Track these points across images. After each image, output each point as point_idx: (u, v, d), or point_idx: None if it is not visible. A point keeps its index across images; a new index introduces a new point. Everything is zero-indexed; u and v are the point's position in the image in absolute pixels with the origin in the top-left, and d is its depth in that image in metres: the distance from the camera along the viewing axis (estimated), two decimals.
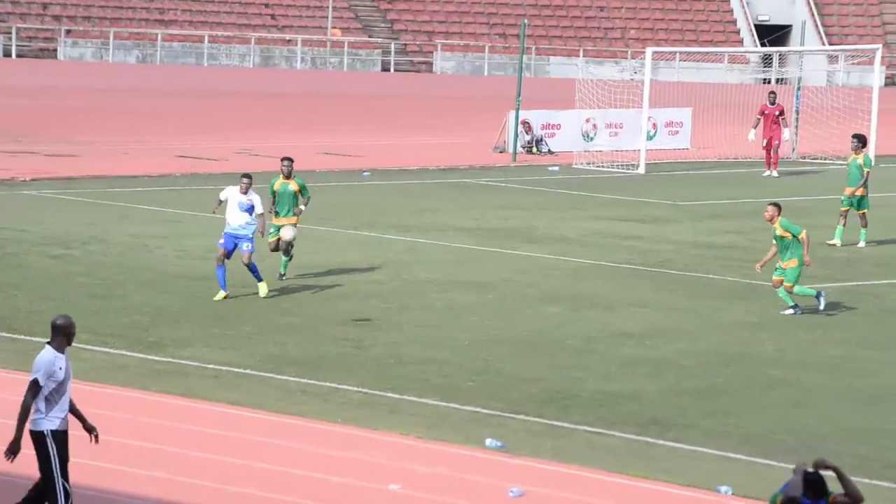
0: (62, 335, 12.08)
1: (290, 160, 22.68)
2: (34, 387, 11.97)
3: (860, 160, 28.16)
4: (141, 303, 21.28)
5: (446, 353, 19.12)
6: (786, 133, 39.97)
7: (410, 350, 19.18)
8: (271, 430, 15.72)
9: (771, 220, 21.71)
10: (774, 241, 21.80)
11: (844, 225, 28.09)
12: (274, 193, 22.55)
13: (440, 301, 22.20)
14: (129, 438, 15.19)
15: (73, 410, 12.25)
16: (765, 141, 39.85)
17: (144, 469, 14.37)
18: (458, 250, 26.61)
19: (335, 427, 15.81)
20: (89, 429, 12.27)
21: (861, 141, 28.68)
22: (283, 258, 22.80)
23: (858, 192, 27.97)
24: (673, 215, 32.47)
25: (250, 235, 21.44)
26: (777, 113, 39.72)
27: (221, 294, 21.34)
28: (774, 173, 39.76)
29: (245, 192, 21.40)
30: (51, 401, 11.98)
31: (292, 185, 22.51)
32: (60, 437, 12.03)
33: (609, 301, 22.58)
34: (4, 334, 19.24)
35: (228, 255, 21.41)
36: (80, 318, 20.07)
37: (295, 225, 22.50)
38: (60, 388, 12.00)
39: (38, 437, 12.03)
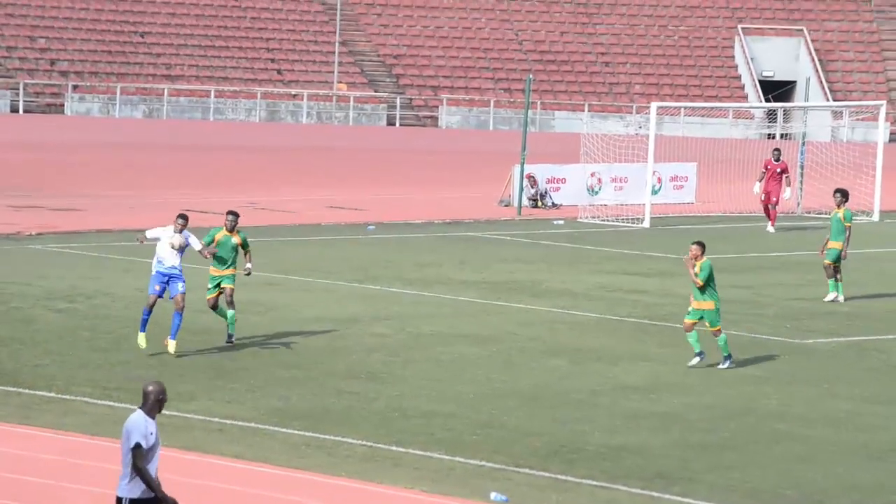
0: (153, 401, 11.89)
1: (236, 215, 22.01)
2: (139, 449, 11.75)
3: (840, 214, 28.14)
4: (145, 356, 21.27)
5: (451, 406, 19.09)
6: (787, 192, 39.99)
7: (415, 403, 19.16)
8: (276, 484, 15.69)
9: (695, 258, 21.53)
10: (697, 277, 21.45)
11: (838, 280, 27.94)
12: (212, 242, 21.89)
13: (444, 354, 22.19)
14: None
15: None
16: (763, 195, 39.85)
17: None
18: (463, 304, 26.62)
19: (340, 481, 15.78)
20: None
21: (844, 195, 28.65)
22: (229, 313, 21.84)
23: (838, 247, 27.87)
24: (677, 269, 32.44)
25: (182, 276, 20.97)
26: (779, 171, 39.75)
27: (142, 337, 20.86)
28: (771, 229, 39.73)
29: (179, 232, 20.92)
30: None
31: (235, 239, 21.92)
32: None
33: (613, 354, 22.56)
34: (9, 388, 19.23)
35: (160, 296, 20.92)
36: (84, 372, 20.18)
37: (233, 276, 21.85)
38: (148, 454, 11.81)
39: None
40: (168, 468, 16.05)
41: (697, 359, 21.54)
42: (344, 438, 17.30)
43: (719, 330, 21.54)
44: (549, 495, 15.55)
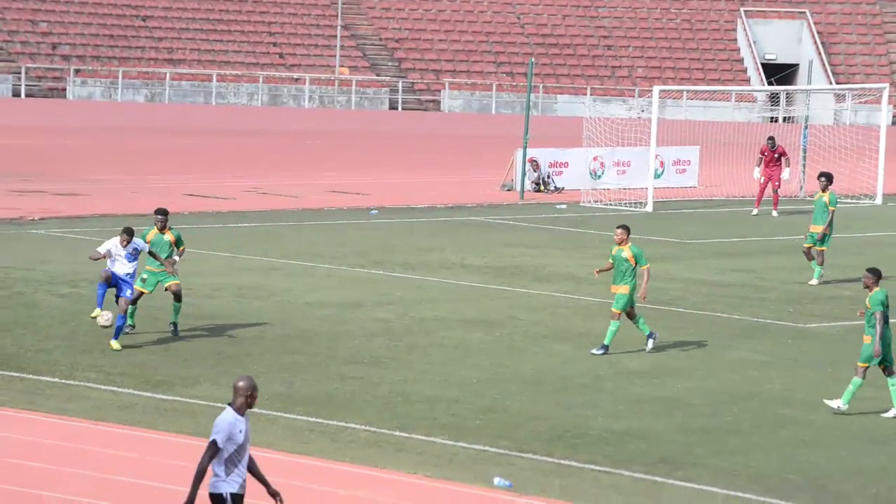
0: (243, 397, 11.81)
1: (165, 213, 21.82)
2: (213, 448, 11.70)
3: (826, 198, 27.98)
4: (149, 342, 21.27)
5: (454, 391, 19.09)
6: (785, 173, 39.87)
7: (418, 388, 19.16)
8: (279, 469, 15.68)
9: (620, 242, 21.43)
10: (612, 261, 21.34)
11: (820, 263, 27.79)
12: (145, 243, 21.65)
13: (448, 339, 22.18)
14: (137, 478, 15.17)
15: (257, 474, 11.94)
16: (764, 179, 39.74)
17: None
18: (466, 288, 26.61)
19: (343, 466, 15.78)
20: (273, 493, 11.92)
21: (828, 179, 28.45)
22: (175, 305, 21.58)
23: (823, 230, 27.72)
24: (680, 253, 32.46)
25: (131, 282, 21.02)
26: (777, 155, 39.64)
27: (97, 311, 20.75)
28: (775, 213, 39.66)
29: (125, 246, 20.92)
30: (230, 463, 11.71)
31: (168, 236, 21.82)
32: (239, 500, 11.74)
33: (617, 339, 22.54)
34: (13, 373, 19.24)
35: (112, 278, 20.89)
36: (87, 357, 20.18)
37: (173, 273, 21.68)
38: (240, 450, 11.74)
39: (217, 500, 11.72)
40: (172, 453, 16.07)
41: (600, 350, 21.12)
42: (347, 424, 17.31)
43: (620, 315, 21.20)
44: (553, 480, 15.55)
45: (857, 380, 18.22)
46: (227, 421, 11.71)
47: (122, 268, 20.99)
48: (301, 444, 16.46)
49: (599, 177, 43.29)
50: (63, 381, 18.91)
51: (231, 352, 20.91)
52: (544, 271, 28.88)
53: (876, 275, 18.10)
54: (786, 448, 17.06)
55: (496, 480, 15.36)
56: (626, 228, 21.57)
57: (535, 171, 43.18)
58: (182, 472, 15.45)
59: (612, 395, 19.15)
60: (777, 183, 39.58)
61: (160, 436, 16.68)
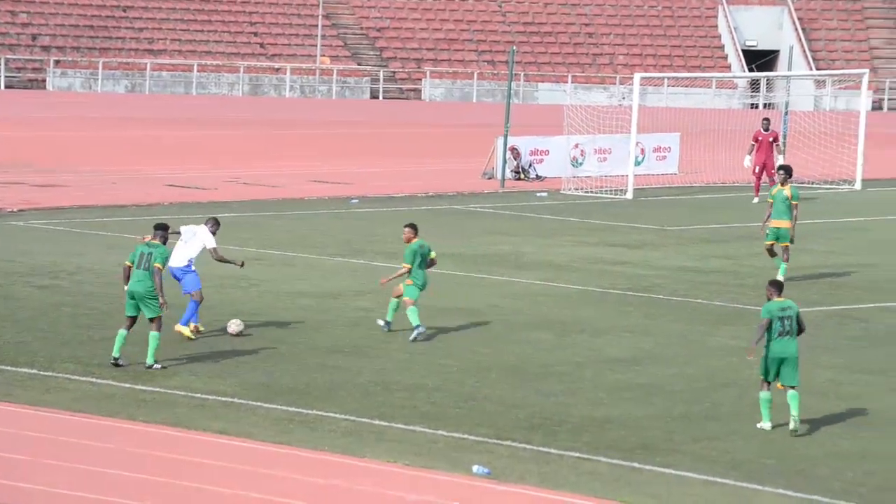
0: None
1: (165, 229, 19.86)
2: None
3: (787, 192, 26.58)
4: (129, 333, 21.21)
5: (434, 379, 19.11)
6: (780, 159, 39.76)
7: (398, 377, 19.18)
8: (259, 459, 15.70)
9: (408, 241, 21.57)
10: (408, 263, 21.39)
11: (786, 259, 26.39)
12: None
13: (428, 328, 22.18)
14: (116, 469, 15.16)
15: None
16: (757, 168, 39.68)
17: (131, 500, 14.33)
18: (447, 277, 26.62)
19: (323, 455, 15.79)
20: None
21: (788, 172, 27.10)
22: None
23: (785, 225, 26.44)
24: (661, 240, 32.51)
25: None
26: (771, 139, 39.58)
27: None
28: (756, 199, 39.63)
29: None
30: None
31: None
32: None
33: (597, 327, 22.59)
34: None
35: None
36: (66, 349, 20.15)
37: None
38: None
39: None
40: (151, 444, 16.06)
41: (418, 331, 21.13)
42: (327, 413, 17.32)
43: (413, 302, 21.20)
44: (532, 467, 15.59)
45: (763, 394, 17.37)
46: None
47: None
48: (281, 434, 16.47)
49: (580, 164, 43.32)
50: (41, 372, 18.88)
51: (210, 342, 20.88)
52: (525, 259, 28.91)
53: (777, 287, 17.66)
54: (764, 434, 17.11)
55: (475, 468, 15.38)
56: (413, 227, 21.76)
57: (515, 159, 43.18)
58: (161, 463, 15.45)
59: (592, 383, 19.19)
60: (773, 171, 39.35)
61: (139, 427, 16.67)
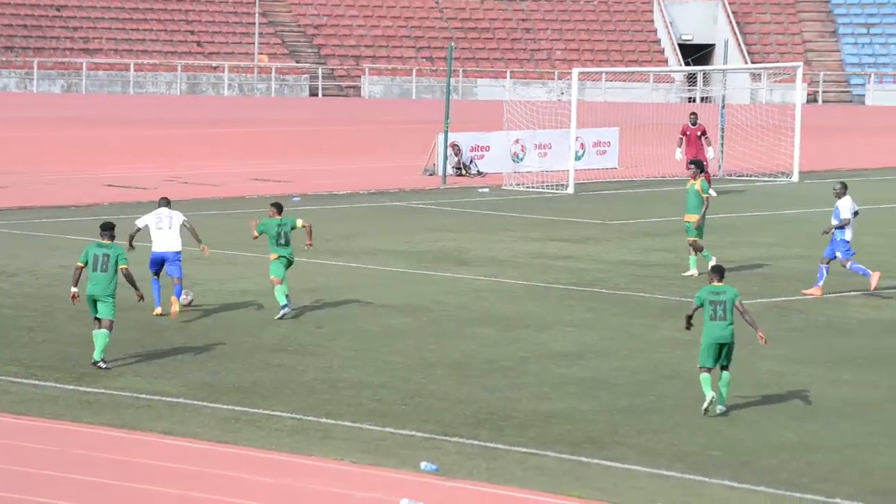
0: None
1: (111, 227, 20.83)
2: None
3: (698, 186, 26.79)
4: (71, 334, 21.10)
5: (380, 376, 19.12)
6: (710, 152, 40.03)
7: (344, 375, 19.17)
8: (205, 459, 15.65)
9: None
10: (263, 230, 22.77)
11: (698, 254, 26.54)
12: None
13: (373, 325, 22.20)
14: (61, 471, 15.06)
15: None
16: (688, 161, 39.85)
17: (77, 502, 14.24)
18: (390, 273, 26.63)
19: (270, 454, 15.76)
20: None
21: (699, 167, 27.37)
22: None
23: (694, 220, 26.52)
24: (603, 234, 32.66)
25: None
26: (699, 133, 39.82)
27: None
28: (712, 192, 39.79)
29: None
30: None
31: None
32: None
33: (541, 321, 22.67)
34: None
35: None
36: (8, 351, 19.98)
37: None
38: None
39: None
40: (96, 446, 15.97)
41: (284, 311, 22.11)
42: (273, 412, 17.28)
43: (280, 281, 22.29)
44: (479, 463, 15.63)
45: (703, 375, 17.50)
46: None
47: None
48: (227, 434, 16.42)
49: (521, 160, 43.43)
50: None
51: (154, 342, 20.79)
52: (468, 255, 28.95)
53: (717, 272, 17.81)
54: (710, 426, 17.24)
55: (423, 465, 15.40)
56: (278, 206, 22.92)
57: (456, 155, 43.23)
58: (106, 465, 15.36)
59: (537, 378, 19.26)
60: (705, 162, 39.64)
61: (84, 428, 16.56)
